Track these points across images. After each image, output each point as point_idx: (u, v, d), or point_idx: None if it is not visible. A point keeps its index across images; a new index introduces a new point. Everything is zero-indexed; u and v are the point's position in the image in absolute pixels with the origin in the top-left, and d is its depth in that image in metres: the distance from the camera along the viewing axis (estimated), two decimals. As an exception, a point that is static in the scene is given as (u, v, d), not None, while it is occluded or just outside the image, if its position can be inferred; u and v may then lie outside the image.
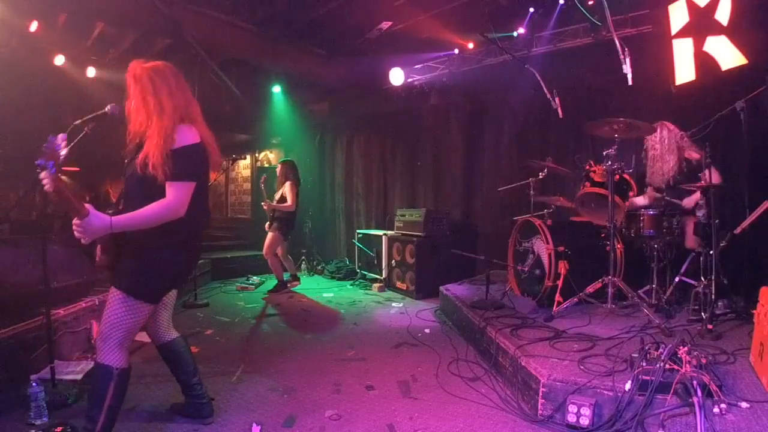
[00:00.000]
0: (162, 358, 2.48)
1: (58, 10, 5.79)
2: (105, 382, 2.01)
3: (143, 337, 3.92)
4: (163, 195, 1.98)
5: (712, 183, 3.16)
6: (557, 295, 3.54)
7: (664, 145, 3.75)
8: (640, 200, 4.00)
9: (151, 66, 2.12)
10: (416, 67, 6.59)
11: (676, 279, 3.51)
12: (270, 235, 5.73)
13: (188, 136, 2.04)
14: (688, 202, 3.63)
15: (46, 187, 1.71)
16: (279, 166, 6.03)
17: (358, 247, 6.93)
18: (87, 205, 1.87)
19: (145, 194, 1.98)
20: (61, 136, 1.75)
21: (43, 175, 1.70)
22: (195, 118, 2.14)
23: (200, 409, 2.46)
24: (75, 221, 1.87)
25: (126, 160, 2.15)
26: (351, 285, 6.56)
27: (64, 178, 2.06)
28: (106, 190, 8.90)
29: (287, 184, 5.77)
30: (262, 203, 5.77)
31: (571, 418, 2.24)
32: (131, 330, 2.06)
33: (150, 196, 1.97)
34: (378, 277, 6.39)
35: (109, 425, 2.01)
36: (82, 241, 1.94)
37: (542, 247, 3.86)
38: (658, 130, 3.74)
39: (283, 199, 5.79)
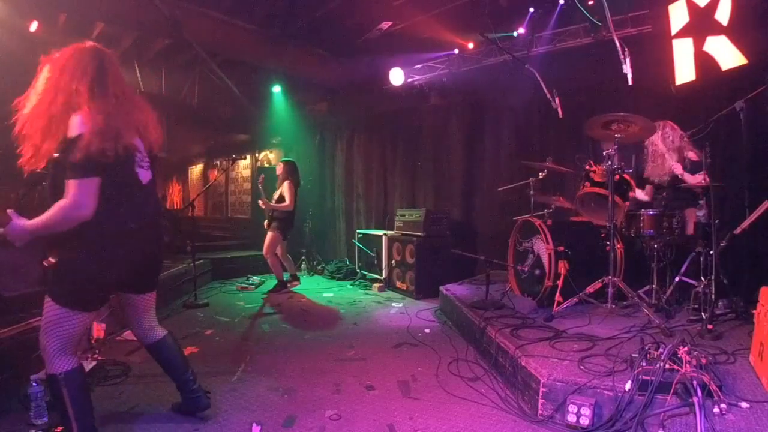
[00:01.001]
0: (153, 358, 2.44)
1: (58, 10, 5.80)
2: (58, 391, 1.95)
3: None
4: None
5: (707, 182, 3.16)
6: (557, 295, 3.54)
7: (667, 143, 3.75)
8: (641, 194, 4.00)
9: (54, 50, 2.02)
10: (416, 67, 6.59)
11: (676, 279, 3.51)
12: (269, 234, 5.74)
13: (76, 124, 1.84)
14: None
15: None
16: (279, 165, 6.03)
17: (358, 247, 6.93)
18: (9, 211, 1.85)
19: (61, 192, 1.86)
20: None
21: None
22: (90, 101, 1.89)
23: (197, 403, 2.44)
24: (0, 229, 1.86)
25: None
26: (351, 285, 6.56)
27: None
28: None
29: (285, 184, 5.77)
30: (259, 201, 5.77)
31: (571, 418, 2.24)
32: (67, 337, 1.94)
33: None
34: (378, 277, 6.39)
35: (85, 425, 1.99)
36: (16, 244, 1.89)
37: (542, 247, 3.86)
38: (661, 128, 3.75)
39: (281, 198, 5.79)
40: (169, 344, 2.41)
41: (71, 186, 1.83)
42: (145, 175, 2.11)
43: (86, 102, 1.88)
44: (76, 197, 1.82)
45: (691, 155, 3.70)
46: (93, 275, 1.94)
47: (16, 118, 1.93)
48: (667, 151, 3.77)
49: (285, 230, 5.79)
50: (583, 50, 5.12)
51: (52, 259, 1.93)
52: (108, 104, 1.92)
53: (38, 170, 2.25)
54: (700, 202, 3.30)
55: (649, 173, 3.93)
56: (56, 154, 1.85)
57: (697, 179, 3.46)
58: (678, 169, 3.63)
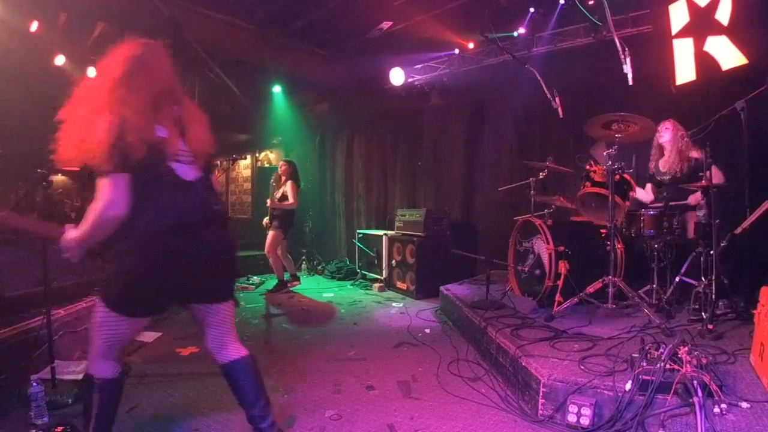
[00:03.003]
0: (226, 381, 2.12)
1: (58, 10, 5.80)
2: (90, 392, 1.91)
3: (143, 336, 3.94)
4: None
5: (714, 183, 3.16)
6: (557, 295, 3.54)
7: (677, 140, 3.76)
8: (642, 194, 3.99)
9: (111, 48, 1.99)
10: (416, 67, 6.59)
11: (677, 279, 3.51)
12: (271, 233, 5.79)
13: (109, 121, 1.77)
14: (693, 198, 3.63)
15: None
16: (281, 165, 6.07)
17: (359, 247, 6.93)
18: (67, 225, 1.83)
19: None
20: None
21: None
22: (134, 97, 1.83)
23: None
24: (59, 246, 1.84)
25: None
26: (351, 285, 6.56)
27: (63, 178, 2.08)
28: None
29: (289, 183, 5.83)
30: (267, 200, 5.89)
31: (572, 418, 2.24)
32: (112, 341, 1.89)
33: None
34: (378, 277, 6.39)
35: (102, 429, 1.93)
36: (72, 260, 1.87)
37: (542, 247, 3.86)
38: (671, 126, 3.76)
39: (284, 197, 5.84)
40: (236, 372, 2.07)
41: (101, 185, 1.76)
42: (187, 172, 1.94)
43: (114, 101, 1.81)
44: (106, 195, 1.74)
45: (694, 154, 3.70)
46: (137, 278, 1.81)
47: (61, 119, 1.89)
48: (674, 148, 3.78)
49: (286, 228, 5.85)
50: (583, 50, 5.11)
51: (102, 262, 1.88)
52: (140, 101, 1.84)
53: (38, 170, 2.25)
54: (701, 202, 3.29)
55: (653, 170, 3.93)
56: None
57: (695, 199, 3.52)
58: (692, 200, 3.63)
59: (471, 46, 6.00)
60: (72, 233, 1.82)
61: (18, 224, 1.92)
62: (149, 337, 3.89)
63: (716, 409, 1.99)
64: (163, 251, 1.82)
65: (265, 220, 5.97)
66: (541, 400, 2.39)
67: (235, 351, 2.08)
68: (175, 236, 1.84)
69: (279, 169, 6.09)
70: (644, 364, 2.23)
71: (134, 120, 1.79)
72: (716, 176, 3.53)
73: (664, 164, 3.89)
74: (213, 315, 2.05)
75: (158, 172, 1.85)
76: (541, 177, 4.37)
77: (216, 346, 2.07)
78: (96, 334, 1.88)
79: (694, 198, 3.61)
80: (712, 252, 3.12)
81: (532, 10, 5.12)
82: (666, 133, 3.83)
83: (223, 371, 2.07)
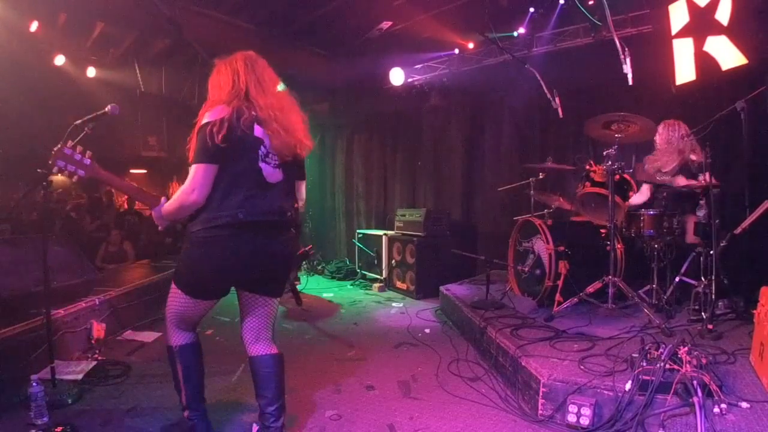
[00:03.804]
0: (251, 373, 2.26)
1: (58, 10, 5.80)
2: (171, 360, 2.15)
3: (143, 337, 3.94)
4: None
5: (712, 183, 3.16)
6: (557, 295, 3.54)
7: (677, 140, 3.75)
8: (637, 198, 3.99)
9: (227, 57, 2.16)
10: (416, 67, 6.59)
11: (677, 279, 3.51)
12: None
13: (211, 113, 1.92)
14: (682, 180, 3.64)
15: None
16: None
17: (359, 247, 6.93)
18: (162, 198, 2.06)
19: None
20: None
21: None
22: (223, 100, 1.97)
23: None
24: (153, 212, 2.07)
25: None
26: (351, 285, 6.56)
27: (64, 178, 2.10)
28: (108, 189, 8.90)
29: None
30: None
31: (572, 418, 2.24)
32: (180, 315, 2.09)
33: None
34: (378, 277, 6.39)
35: (192, 392, 2.18)
36: (159, 228, 2.13)
37: (542, 247, 3.86)
38: (673, 126, 3.75)
39: None
40: (270, 365, 2.20)
41: (192, 171, 1.91)
42: (273, 174, 2.04)
43: (218, 99, 1.99)
44: (191, 181, 1.90)
45: (693, 157, 3.69)
46: (201, 262, 1.99)
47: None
48: (676, 149, 3.77)
49: None
50: (583, 50, 5.11)
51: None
52: (239, 101, 1.98)
53: (38, 170, 2.28)
54: (701, 202, 3.29)
55: (650, 168, 3.92)
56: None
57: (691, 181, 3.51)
58: (682, 181, 3.63)
59: (471, 46, 6.00)
60: (164, 206, 2.02)
61: (118, 183, 2.12)
62: (149, 337, 3.89)
63: (716, 409, 1.99)
64: (235, 243, 1.96)
65: None
66: (541, 400, 2.39)
67: (269, 347, 2.21)
68: (249, 231, 1.97)
69: None
70: (644, 364, 2.23)
71: (234, 118, 1.93)
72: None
73: (664, 165, 3.88)
74: (260, 307, 2.17)
75: (247, 170, 1.97)
76: (541, 177, 4.37)
77: (252, 336, 2.19)
78: (169, 308, 2.10)
79: (684, 180, 3.60)
80: (711, 252, 3.12)
81: (532, 10, 5.12)
82: (666, 133, 3.82)
83: (251, 362, 2.19)
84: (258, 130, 1.99)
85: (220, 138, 1.85)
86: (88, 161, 2.00)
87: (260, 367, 2.18)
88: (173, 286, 2.07)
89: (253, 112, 1.98)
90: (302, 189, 2.30)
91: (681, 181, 3.62)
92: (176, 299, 2.07)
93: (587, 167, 3.72)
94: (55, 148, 1.95)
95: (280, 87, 2.21)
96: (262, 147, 2.00)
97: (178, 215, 1.99)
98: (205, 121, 1.91)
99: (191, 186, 1.90)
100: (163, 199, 2.05)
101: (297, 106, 2.24)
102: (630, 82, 4.15)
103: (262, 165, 2.00)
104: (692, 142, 3.64)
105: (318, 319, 4.73)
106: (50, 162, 1.95)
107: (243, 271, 2.03)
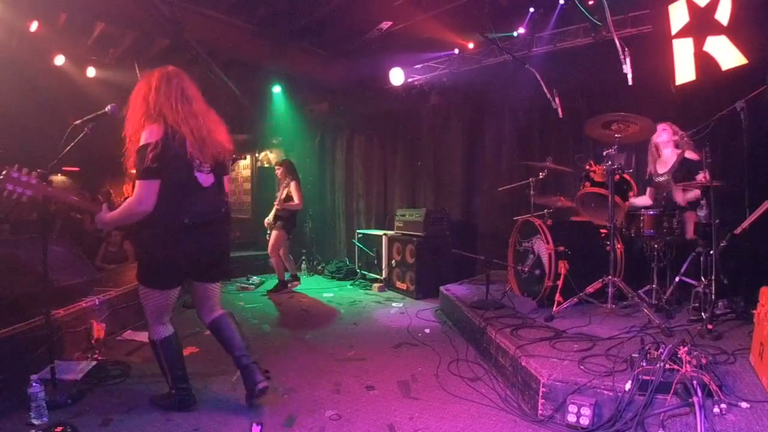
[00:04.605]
0: (214, 336, 2.72)
1: (58, 10, 5.79)
2: (156, 352, 2.52)
3: (143, 337, 3.94)
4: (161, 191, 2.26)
5: (713, 183, 3.16)
6: (557, 295, 3.54)
7: (674, 141, 3.77)
8: (640, 201, 4.00)
9: (148, 71, 2.41)
10: (416, 67, 6.59)
11: (676, 279, 3.51)
12: (274, 233, 5.81)
13: (147, 134, 2.22)
14: (680, 196, 3.64)
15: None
16: (278, 169, 6.08)
17: (358, 247, 6.93)
18: (104, 205, 2.34)
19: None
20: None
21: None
22: (167, 114, 2.26)
23: (251, 378, 2.60)
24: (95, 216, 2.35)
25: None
26: (351, 285, 6.56)
27: (63, 178, 2.16)
28: (107, 190, 8.91)
29: (292, 184, 5.85)
30: (276, 204, 5.88)
31: (571, 418, 2.24)
32: (157, 309, 2.45)
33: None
34: (378, 277, 6.39)
35: (177, 374, 2.53)
36: (104, 230, 2.44)
37: (542, 247, 3.86)
38: (667, 128, 3.78)
39: (288, 198, 5.85)
40: (224, 321, 2.67)
41: (137, 186, 2.23)
42: (206, 179, 2.43)
43: (154, 116, 2.27)
44: (139, 195, 2.23)
45: (690, 155, 3.70)
46: (158, 259, 2.36)
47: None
48: (673, 149, 3.79)
49: (289, 228, 5.89)
50: (583, 50, 5.11)
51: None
52: (171, 118, 2.27)
53: (38, 170, 2.31)
54: (701, 202, 3.29)
55: (652, 172, 3.94)
56: (132, 157, 2.27)
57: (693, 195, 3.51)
58: (679, 198, 3.66)
59: (471, 46, 6.00)
60: (108, 214, 2.33)
61: (61, 197, 2.46)
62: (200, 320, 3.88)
63: (716, 409, 1.99)
64: (185, 242, 2.35)
65: (267, 219, 5.97)
66: (540, 400, 2.39)
67: (219, 312, 2.70)
68: (194, 231, 2.35)
69: (276, 172, 6.09)
70: (644, 364, 2.23)
71: (171, 136, 2.24)
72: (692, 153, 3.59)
73: (662, 166, 3.89)
74: (208, 291, 2.65)
75: (183, 179, 2.32)
76: (541, 177, 4.37)
77: (207, 312, 2.68)
78: (145, 308, 2.45)
79: (681, 197, 3.61)
80: (711, 252, 3.12)
81: (531, 10, 5.12)
82: (663, 135, 3.83)
83: (212, 325, 2.67)
84: (189, 145, 2.30)
85: (156, 159, 2.19)
86: (34, 181, 2.21)
87: (220, 325, 2.66)
88: (141, 287, 2.43)
89: (182, 129, 2.28)
90: (228, 183, 2.64)
91: (678, 196, 3.64)
92: (148, 297, 2.43)
93: (587, 167, 3.72)
94: (4, 172, 2.11)
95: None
96: (196, 160, 2.35)
97: (124, 222, 2.34)
98: (143, 142, 2.21)
99: (138, 200, 2.22)
100: (104, 205, 2.37)
101: (214, 114, 2.53)
102: (630, 82, 4.14)
103: (197, 174, 2.37)
104: (687, 141, 3.66)
105: (318, 319, 4.73)
106: (0, 187, 2.12)
107: (191, 263, 2.43)
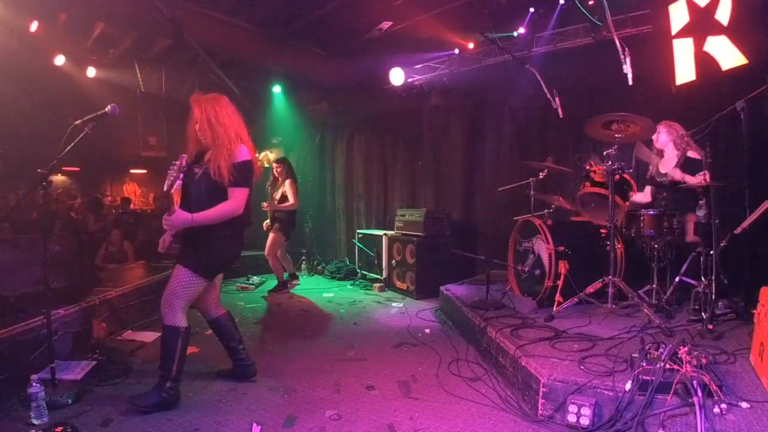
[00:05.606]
0: (212, 329, 3.02)
1: (58, 10, 5.80)
2: (174, 340, 2.58)
3: (143, 337, 3.95)
4: (223, 197, 2.56)
5: (713, 183, 3.16)
6: (557, 295, 3.54)
7: (676, 141, 3.76)
8: (639, 197, 3.99)
9: (212, 97, 2.73)
10: (416, 67, 6.58)
11: (677, 279, 3.51)
12: (271, 236, 5.70)
13: (245, 153, 2.64)
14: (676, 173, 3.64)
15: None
16: (276, 167, 5.92)
17: (358, 247, 6.93)
18: (175, 207, 2.53)
19: (214, 195, 2.58)
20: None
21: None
22: (246, 140, 2.71)
23: (245, 370, 2.98)
24: (165, 217, 2.53)
25: (185, 169, 2.64)
26: (351, 285, 6.56)
27: (63, 178, 2.14)
28: (96, 195, 8.83)
29: (287, 183, 5.70)
30: (263, 204, 5.70)
31: (572, 418, 2.24)
32: (189, 299, 2.64)
33: (217, 197, 2.57)
34: (378, 277, 6.39)
35: (180, 371, 2.61)
36: (169, 232, 2.66)
37: (542, 247, 3.86)
38: (668, 128, 3.76)
39: (284, 198, 5.74)
40: (226, 321, 2.97)
41: (239, 192, 2.60)
42: None
43: (247, 138, 2.73)
44: (239, 201, 2.60)
45: (692, 154, 3.70)
46: (223, 255, 2.72)
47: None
48: (674, 149, 3.78)
49: (288, 231, 5.77)
50: (583, 50, 5.11)
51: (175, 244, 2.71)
52: (249, 140, 2.75)
53: (38, 170, 2.32)
54: (701, 202, 3.29)
55: (653, 172, 3.93)
56: (227, 169, 2.56)
57: (697, 179, 3.46)
58: (677, 175, 3.63)
59: (471, 46, 5.99)
60: (195, 214, 2.53)
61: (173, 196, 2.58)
62: (149, 337, 3.89)
63: (716, 409, 1.99)
64: (242, 239, 2.82)
65: (266, 222, 5.84)
66: (541, 400, 2.40)
67: (222, 309, 3.00)
68: (241, 234, 2.81)
69: (274, 170, 5.95)
70: (644, 364, 2.23)
71: (252, 149, 2.76)
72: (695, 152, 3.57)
73: (663, 166, 3.88)
74: (217, 281, 2.94)
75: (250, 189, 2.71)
76: (540, 177, 4.37)
77: (213, 303, 2.95)
78: (180, 295, 2.59)
79: (680, 174, 3.60)
80: (711, 252, 3.12)
81: (532, 10, 5.12)
82: (663, 135, 3.82)
83: (215, 321, 2.96)
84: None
85: (252, 173, 2.71)
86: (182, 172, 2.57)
87: (223, 322, 2.96)
88: (190, 274, 2.59)
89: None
90: None
91: (677, 174, 3.61)
92: (193, 286, 2.61)
93: (587, 167, 3.72)
94: (178, 163, 2.51)
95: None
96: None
97: (215, 221, 2.57)
98: (244, 158, 2.62)
99: (238, 204, 2.59)
100: (175, 207, 2.53)
101: None
102: (630, 82, 4.14)
103: None
104: (690, 141, 3.65)
105: (318, 319, 4.73)
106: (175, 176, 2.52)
107: (236, 257, 2.85)
